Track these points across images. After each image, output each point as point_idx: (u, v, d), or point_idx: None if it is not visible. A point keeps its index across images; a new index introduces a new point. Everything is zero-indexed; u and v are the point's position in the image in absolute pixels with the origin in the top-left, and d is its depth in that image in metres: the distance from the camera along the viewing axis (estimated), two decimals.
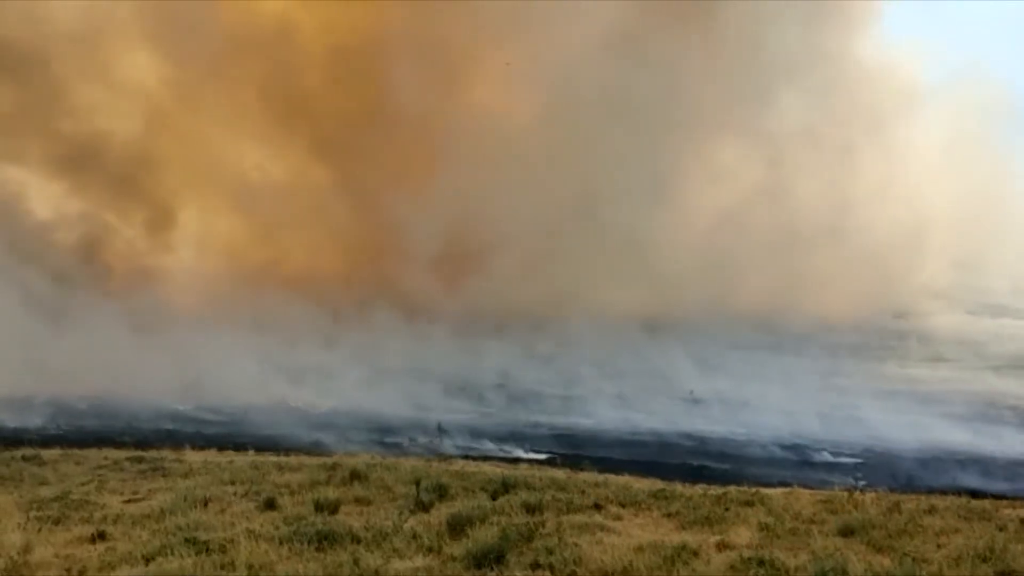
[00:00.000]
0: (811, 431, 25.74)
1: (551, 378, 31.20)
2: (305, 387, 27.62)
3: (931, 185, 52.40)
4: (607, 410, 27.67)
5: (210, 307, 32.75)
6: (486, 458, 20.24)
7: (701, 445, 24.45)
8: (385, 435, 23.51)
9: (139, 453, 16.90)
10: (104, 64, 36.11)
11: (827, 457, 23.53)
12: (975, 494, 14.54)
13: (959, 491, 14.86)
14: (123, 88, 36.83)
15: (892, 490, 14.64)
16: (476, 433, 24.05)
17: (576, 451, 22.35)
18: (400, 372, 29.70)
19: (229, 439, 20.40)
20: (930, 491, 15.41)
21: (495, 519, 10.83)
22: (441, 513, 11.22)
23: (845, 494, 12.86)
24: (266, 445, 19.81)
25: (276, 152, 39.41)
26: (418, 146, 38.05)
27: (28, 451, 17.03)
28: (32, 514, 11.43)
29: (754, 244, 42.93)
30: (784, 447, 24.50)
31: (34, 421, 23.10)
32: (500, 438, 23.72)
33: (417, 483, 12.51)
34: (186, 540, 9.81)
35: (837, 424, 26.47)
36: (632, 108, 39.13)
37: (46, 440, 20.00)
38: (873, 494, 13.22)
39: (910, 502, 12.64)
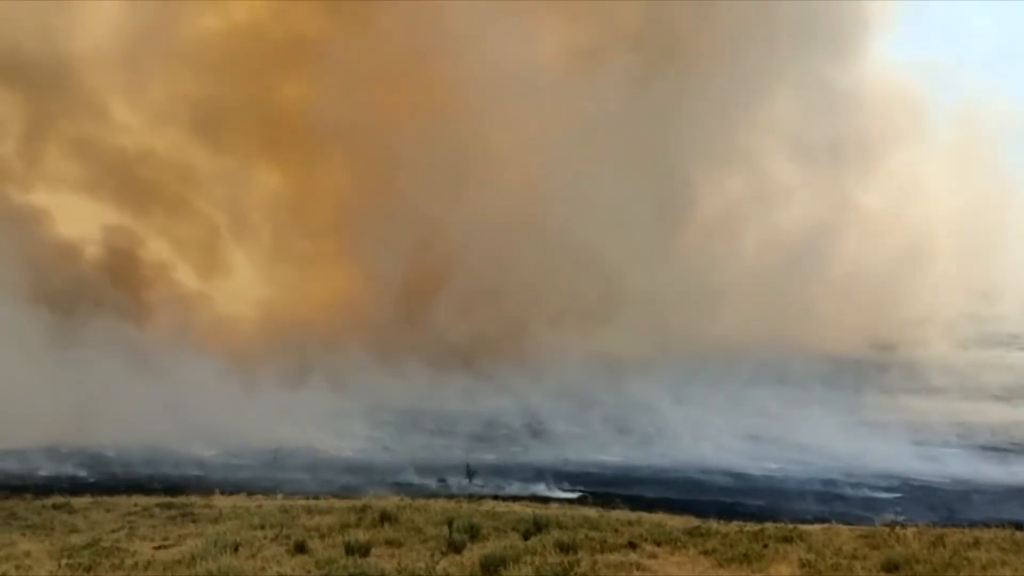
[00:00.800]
0: (841, 466, 25.25)
1: (558, 415, 30.65)
2: (321, 431, 27.47)
3: (937, 210, 51.28)
4: (631, 448, 27.20)
5: (216, 345, 32.53)
6: (514, 498, 19.99)
7: (734, 481, 24.01)
8: (409, 477, 23.27)
9: (168, 499, 16.87)
10: (122, 81, 36.43)
11: (863, 492, 23.04)
12: (1019, 526, 14.16)
13: (1002, 523, 14.48)
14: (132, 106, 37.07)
15: (933, 524, 14.30)
16: (500, 473, 23.77)
17: (608, 488, 22.01)
18: (398, 414, 29.58)
19: (257, 483, 20.30)
20: (972, 524, 15.03)
21: (528, 559, 10.68)
22: (473, 554, 11.08)
23: (886, 529, 12.57)
24: (295, 488, 19.70)
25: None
26: (378, 161, 37.21)
27: (58, 499, 17.06)
28: (63, 562, 11.40)
29: (742, 271, 41.22)
30: (817, 482, 24.04)
31: (63, 469, 23.12)
32: (527, 478, 23.38)
33: (449, 524, 12.38)
34: None
35: (867, 458, 25.97)
36: (611, 125, 38.00)
37: (76, 488, 19.99)
38: (915, 528, 12.92)
39: (953, 535, 12.35)
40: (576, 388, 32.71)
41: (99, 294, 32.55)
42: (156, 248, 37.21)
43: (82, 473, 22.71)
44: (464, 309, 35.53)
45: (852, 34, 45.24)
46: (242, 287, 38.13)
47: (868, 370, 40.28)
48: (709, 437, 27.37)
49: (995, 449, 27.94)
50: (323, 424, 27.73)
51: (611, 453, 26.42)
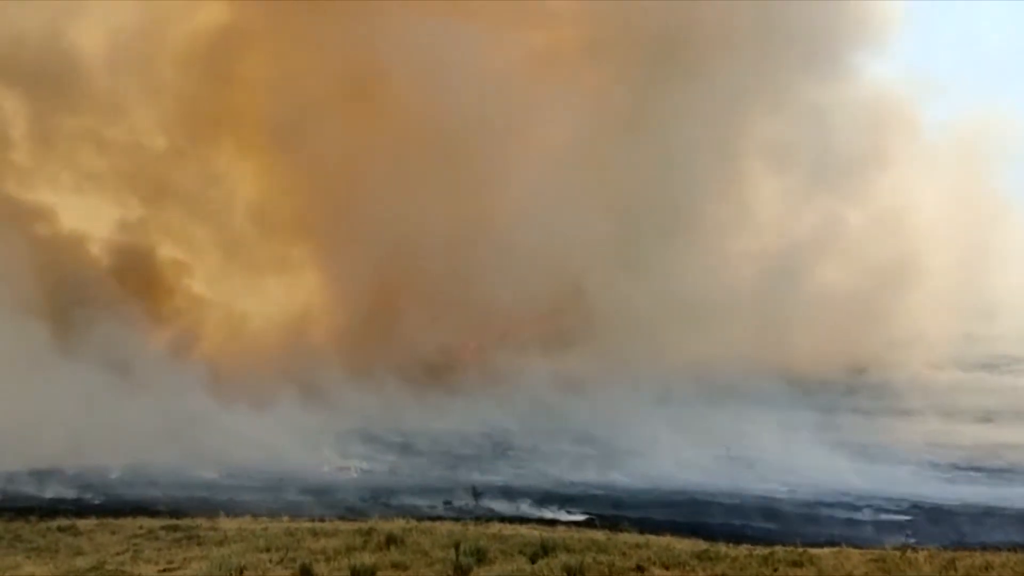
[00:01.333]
0: (847, 488, 25.04)
1: (564, 435, 30.32)
2: (317, 451, 27.35)
3: (929, 228, 50.62)
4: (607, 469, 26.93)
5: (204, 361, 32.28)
6: (521, 520, 19.85)
7: (740, 504, 23.77)
8: (415, 499, 23.13)
9: (174, 521, 16.78)
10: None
11: (872, 515, 22.82)
12: None
13: (1014, 547, 14.34)
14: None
15: (944, 547, 14.17)
16: (508, 494, 23.60)
17: (616, 511, 21.80)
18: (390, 434, 29.56)
19: (263, 505, 20.19)
20: (984, 547, 14.88)
21: None
22: None
23: (897, 552, 12.46)
24: (299, 510, 19.60)
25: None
26: (346, 170, 36.40)
27: (63, 521, 16.98)
28: None
29: (726, 288, 39.83)
30: (824, 505, 23.82)
31: (67, 492, 23.03)
32: (536, 499, 23.16)
33: (456, 547, 12.29)
34: None
35: (874, 481, 25.78)
36: (589, 136, 37.36)
37: (81, 509, 19.91)
38: (926, 552, 12.81)
39: (965, 559, 12.23)
40: (548, 406, 32.40)
41: (94, 298, 32.17)
42: (137, 255, 36.93)
43: (87, 495, 22.61)
44: (432, 324, 35.16)
45: (845, 48, 44.60)
46: (223, 297, 37.86)
47: (861, 392, 40.02)
48: (689, 458, 27.17)
49: (975, 470, 27.78)
50: (318, 445, 27.64)
51: (590, 473, 26.22)
